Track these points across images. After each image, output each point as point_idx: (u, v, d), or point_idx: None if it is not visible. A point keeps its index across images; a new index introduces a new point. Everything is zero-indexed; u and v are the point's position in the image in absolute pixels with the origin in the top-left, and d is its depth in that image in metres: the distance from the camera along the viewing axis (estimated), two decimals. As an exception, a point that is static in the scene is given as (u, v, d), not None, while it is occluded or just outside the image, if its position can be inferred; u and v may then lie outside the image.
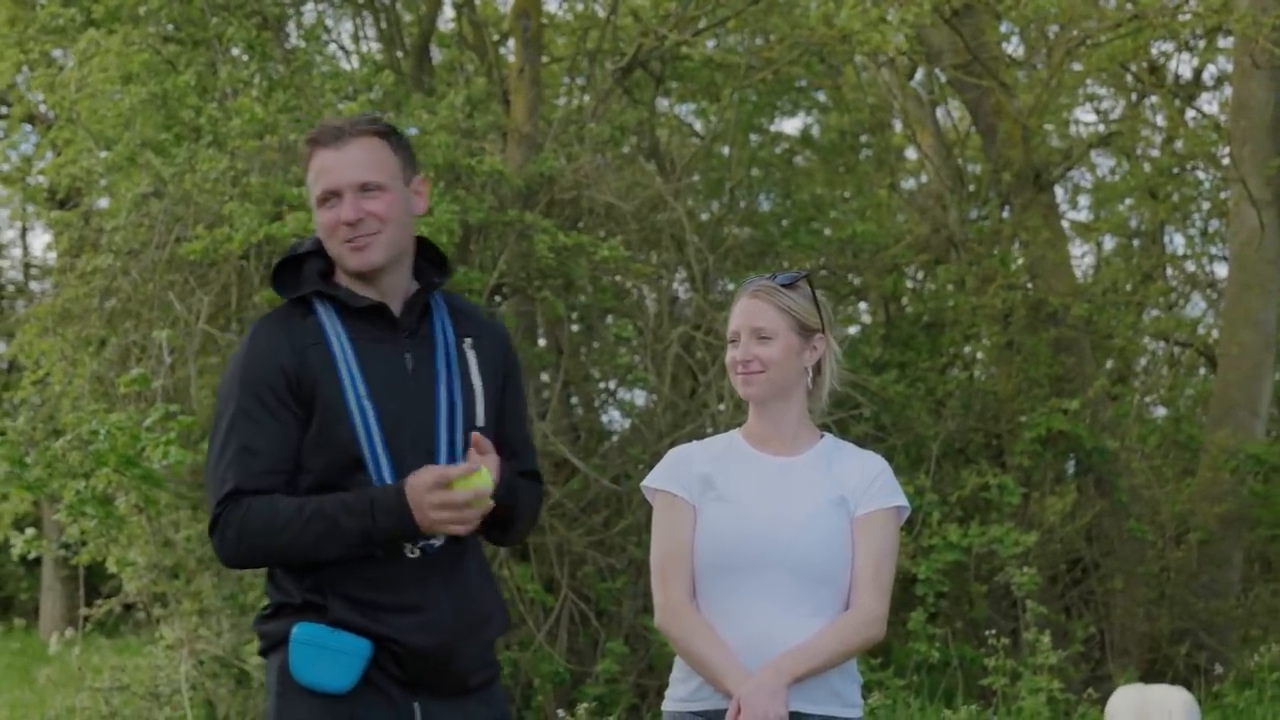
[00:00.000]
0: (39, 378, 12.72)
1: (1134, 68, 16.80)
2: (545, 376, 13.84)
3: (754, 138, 17.68)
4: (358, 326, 4.48)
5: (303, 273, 4.56)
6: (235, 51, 13.65)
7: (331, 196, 4.47)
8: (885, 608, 4.81)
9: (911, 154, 19.33)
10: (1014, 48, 17.08)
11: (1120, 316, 15.99)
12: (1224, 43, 17.10)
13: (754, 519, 4.78)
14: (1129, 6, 14.62)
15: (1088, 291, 16.01)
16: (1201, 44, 17.76)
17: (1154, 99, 18.00)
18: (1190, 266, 19.76)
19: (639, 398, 14.58)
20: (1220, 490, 14.24)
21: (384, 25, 15.63)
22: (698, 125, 18.21)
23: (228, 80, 13.07)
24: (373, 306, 4.49)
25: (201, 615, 12.10)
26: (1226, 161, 15.60)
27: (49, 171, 14.15)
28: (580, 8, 17.10)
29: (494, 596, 4.65)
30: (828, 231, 15.51)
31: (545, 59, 15.32)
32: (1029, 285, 14.78)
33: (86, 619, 12.83)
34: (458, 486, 4.31)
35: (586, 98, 14.67)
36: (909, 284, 16.45)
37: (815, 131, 19.72)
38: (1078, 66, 15.77)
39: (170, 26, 14.01)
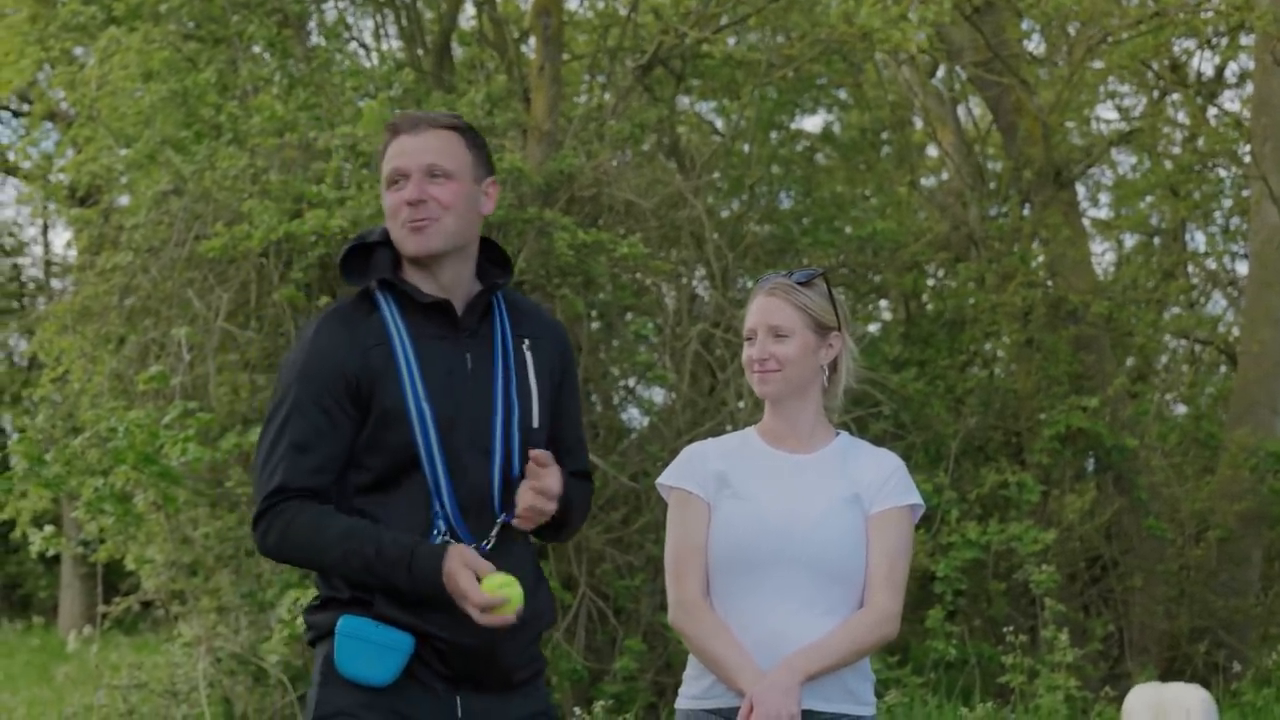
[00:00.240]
0: (58, 375, 12.76)
1: (1155, 65, 16.77)
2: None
3: (774, 135, 17.66)
4: (419, 323, 4.51)
5: (371, 261, 4.59)
6: (256, 49, 13.68)
7: (400, 178, 4.51)
8: (899, 606, 4.80)
9: (932, 151, 19.32)
10: (1035, 45, 17.05)
11: (1140, 314, 15.97)
12: (1246, 40, 17.03)
13: (769, 516, 4.78)
14: (1150, 4, 14.57)
15: (1108, 289, 15.97)
16: (1223, 41, 17.71)
17: (1175, 96, 17.96)
18: (1211, 264, 19.72)
19: (658, 395, 14.57)
20: (1240, 488, 14.21)
21: (405, 23, 15.64)
22: (718, 123, 18.21)
23: (248, 78, 13.10)
24: (436, 303, 4.51)
25: (220, 612, 12.11)
26: (1248, 159, 15.56)
27: (70, 169, 14.18)
28: (601, 5, 17.08)
29: (543, 594, 4.66)
30: (848, 229, 15.48)
31: (566, 56, 15.30)
32: (1049, 283, 14.76)
33: (105, 616, 12.86)
34: (487, 587, 4.32)
35: (607, 95, 14.65)
36: (929, 282, 16.42)
37: (836, 129, 19.69)
38: (1099, 64, 15.72)
39: (191, 24, 14.06)
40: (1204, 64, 19.19)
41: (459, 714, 4.46)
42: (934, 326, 15.47)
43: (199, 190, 12.13)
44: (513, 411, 4.53)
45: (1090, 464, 14.41)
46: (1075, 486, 13.89)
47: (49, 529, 11.94)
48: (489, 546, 4.46)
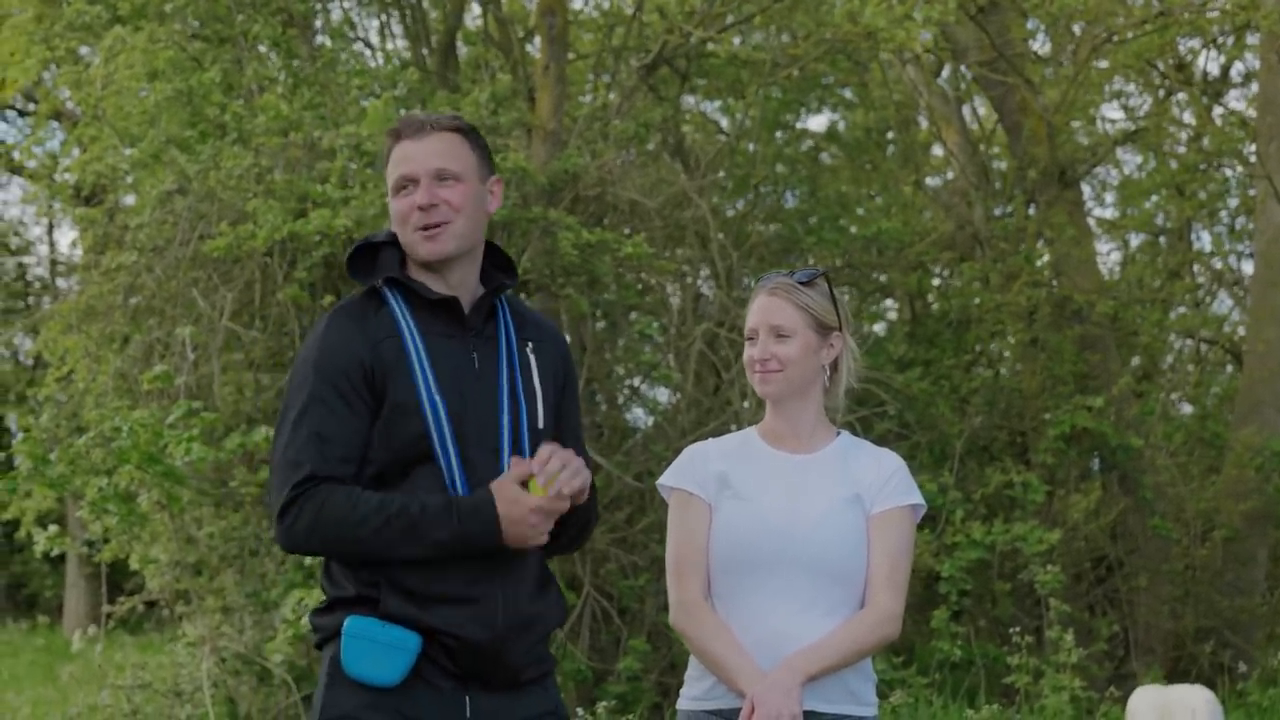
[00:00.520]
0: (63, 374, 12.77)
1: (1160, 64, 16.76)
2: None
3: (779, 135, 17.65)
4: (427, 320, 4.50)
5: (378, 260, 4.58)
6: (261, 48, 13.67)
7: (408, 183, 4.51)
8: (900, 606, 4.79)
9: (937, 151, 19.32)
10: (1040, 44, 17.04)
11: (1146, 314, 15.96)
12: (1251, 39, 17.03)
13: (770, 516, 4.77)
14: (1156, 3, 14.58)
15: (1113, 289, 15.98)
16: (1229, 41, 17.71)
17: (1181, 96, 17.96)
18: (1217, 263, 19.71)
19: (662, 395, 14.58)
20: (1245, 488, 14.19)
21: (410, 22, 15.66)
22: (723, 122, 18.22)
23: (253, 77, 13.11)
24: (444, 300, 4.51)
25: (224, 612, 12.11)
26: (1253, 158, 15.55)
27: (75, 168, 14.19)
28: (606, 5, 17.10)
29: (552, 592, 4.64)
30: (853, 229, 15.49)
31: (570, 56, 15.31)
32: (1054, 282, 14.76)
33: (109, 616, 12.89)
34: (534, 489, 4.34)
35: (611, 95, 14.66)
36: (934, 281, 16.42)
37: (841, 128, 19.68)
38: (1104, 63, 15.74)
39: (196, 23, 14.05)
40: (1209, 63, 19.21)
41: (467, 713, 4.45)
42: (939, 326, 15.47)
43: (204, 189, 12.13)
44: (520, 411, 4.53)
45: (1095, 464, 14.40)
46: (1080, 486, 13.88)
47: (54, 528, 11.97)
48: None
